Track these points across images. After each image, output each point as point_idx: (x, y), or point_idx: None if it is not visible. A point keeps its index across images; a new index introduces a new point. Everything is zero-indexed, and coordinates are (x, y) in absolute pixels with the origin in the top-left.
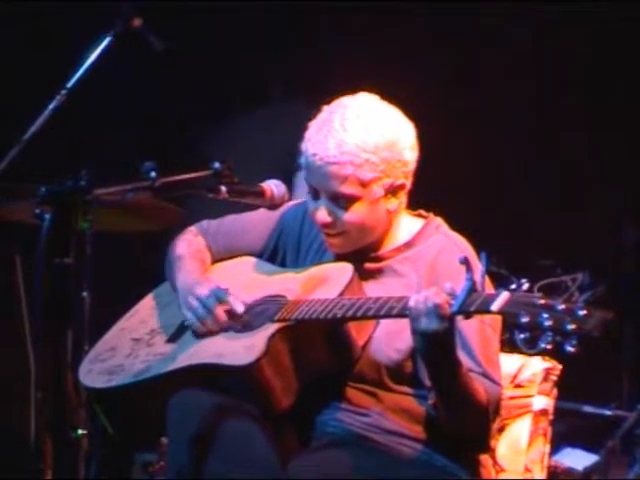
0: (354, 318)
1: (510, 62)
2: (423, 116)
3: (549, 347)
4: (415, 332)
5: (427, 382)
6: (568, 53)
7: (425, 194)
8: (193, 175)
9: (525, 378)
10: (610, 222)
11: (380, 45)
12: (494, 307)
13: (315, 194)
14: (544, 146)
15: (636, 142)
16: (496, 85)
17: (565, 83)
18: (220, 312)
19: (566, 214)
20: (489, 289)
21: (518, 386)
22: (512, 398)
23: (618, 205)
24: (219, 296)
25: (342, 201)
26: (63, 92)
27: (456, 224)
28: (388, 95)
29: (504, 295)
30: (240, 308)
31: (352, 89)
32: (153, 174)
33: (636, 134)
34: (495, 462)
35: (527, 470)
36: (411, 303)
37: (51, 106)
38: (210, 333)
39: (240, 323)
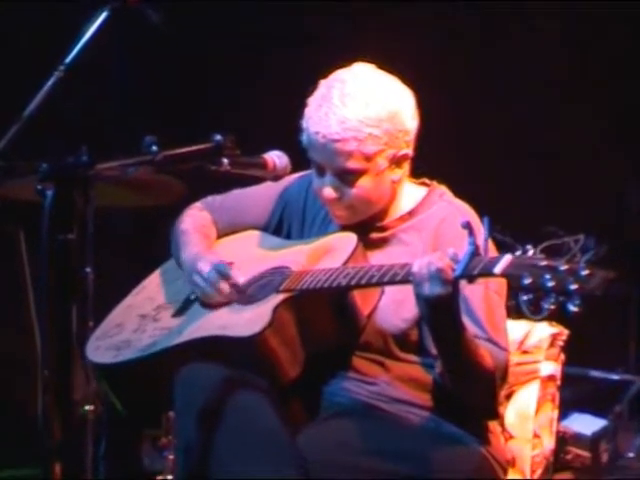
0: (358, 286)
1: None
2: (421, 81)
3: (552, 307)
4: (419, 297)
5: (433, 350)
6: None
7: (428, 163)
8: (194, 148)
9: (532, 344)
10: (614, 187)
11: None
12: (497, 269)
13: (320, 170)
14: (547, 113)
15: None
16: (495, 49)
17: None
18: (223, 286)
19: (569, 180)
20: (492, 254)
21: (525, 352)
22: (519, 364)
23: (622, 171)
24: (220, 270)
25: (348, 176)
26: (61, 68)
27: (459, 192)
28: (384, 63)
29: (506, 258)
30: (241, 279)
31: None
32: (154, 148)
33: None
34: (504, 429)
35: (536, 436)
36: (414, 268)
37: (49, 82)
38: (216, 306)
39: (245, 295)
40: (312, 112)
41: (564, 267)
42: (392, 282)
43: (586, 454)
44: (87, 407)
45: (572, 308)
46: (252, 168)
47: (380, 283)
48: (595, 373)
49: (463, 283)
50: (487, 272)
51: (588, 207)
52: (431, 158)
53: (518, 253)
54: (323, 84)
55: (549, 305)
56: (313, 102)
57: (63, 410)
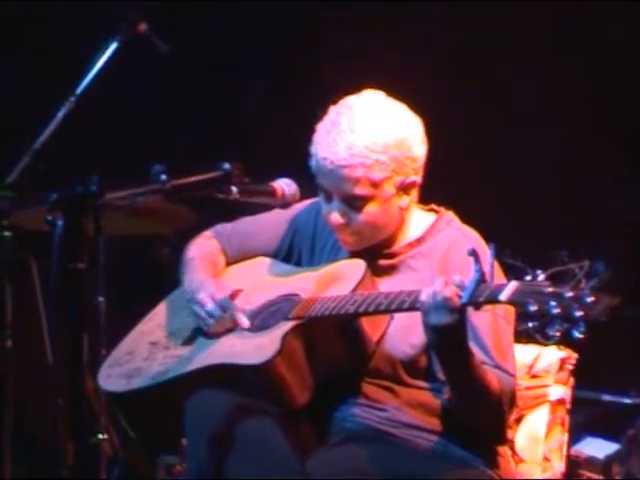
0: (366, 313)
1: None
2: (431, 109)
3: (557, 334)
4: (427, 326)
5: (441, 376)
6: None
7: (437, 189)
8: (203, 177)
9: (541, 368)
10: (629, 213)
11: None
12: (502, 297)
13: (328, 196)
14: (563, 138)
15: None
16: (503, 70)
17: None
18: (227, 323)
19: (584, 206)
20: (499, 280)
21: (534, 376)
22: (528, 388)
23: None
24: (225, 307)
25: (355, 202)
26: (72, 99)
27: (470, 219)
28: (392, 90)
29: (512, 285)
30: (246, 324)
31: (355, 85)
32: (163, 177)
33: None
34: (514, 452)
35: (546, 459)
36: (422, 297)
37: (60, 113)
38: (223, 333)
39: (255, 322)
40: (321, 138)
41: (569, 294)
42: (399, 309)
43: (599, 478)
44: (101, 436)
45: (577, 334)
46: (261, 196)
47: (388, 310)
48: (607, 397)
49: (470, 310)
50: (493, 299)
51: (602, 232)
52: (442, 183)
53: (528, 278)
54: (332, 110)
55: (554, 332)
56: (322, 128)
57: (77, 438)
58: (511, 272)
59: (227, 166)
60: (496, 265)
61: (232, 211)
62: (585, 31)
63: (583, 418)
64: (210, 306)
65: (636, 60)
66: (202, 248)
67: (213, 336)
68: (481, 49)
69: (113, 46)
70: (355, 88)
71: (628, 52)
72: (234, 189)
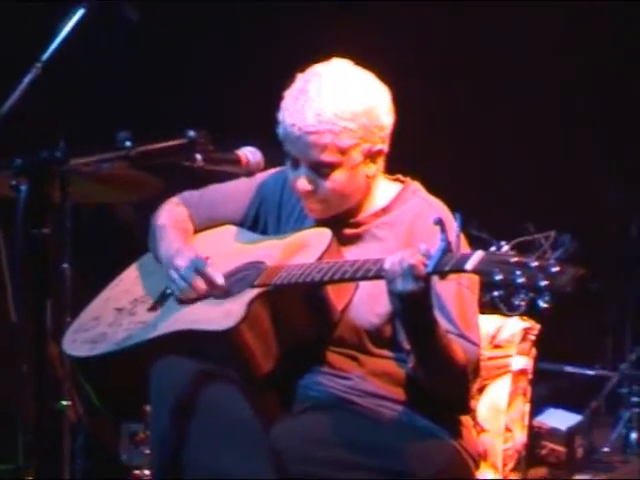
0: (331, 281)
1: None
2: (398, 75)
3: (523, 304)
4: (392, 293)
5: (406, 345)
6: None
7: (405, 159)
8: (168, 144)
9: (504, 338)
10: (594, 186)
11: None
12: (468, 266)
13: (295, 163)
14: (532, 111)
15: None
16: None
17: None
18: (199, 283)
19: (550, 178)
20: (465, 250)
21: (497, 346)
22: (491, 359)
23: (602, 171)
24: (198, 267)
25: (322, 169)
26: (38, 65)
27: (437, 190)
28: (361, 59)
29: (478, 254)
30: (220, 279)
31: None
32: (128, 143)
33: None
34: (476, 422)
35: (508, 430)
36: (387, 265)
37: (26, 79)
38: (191, 301)
39: (221, 290)
40: (289, 104)
41: (535, 264)
42: (365, 278)
43: (561, 449)
44: (64, 402)
45: (542, 304)
46: (225, 164)
47: (353, 279)
48: (571, 368)
49: (435, 279)
50: (459, 268)
51: (568, 205)
52: (410, 154)
53: (492, 249)
54: (300, 77)
55: (519, 301)
56: (290, 95)
57: (40, 405)
58: (477, 244)
59: (192, 133)
60: (462, 236)
61: (199, 179)
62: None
63: (546, 390)
64: (183, 268)
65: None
66: (172, 215)
67: (183, 303)
68: (451, 17)
69: (80, 12)
70: (323, 56)
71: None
72: (199, 157)
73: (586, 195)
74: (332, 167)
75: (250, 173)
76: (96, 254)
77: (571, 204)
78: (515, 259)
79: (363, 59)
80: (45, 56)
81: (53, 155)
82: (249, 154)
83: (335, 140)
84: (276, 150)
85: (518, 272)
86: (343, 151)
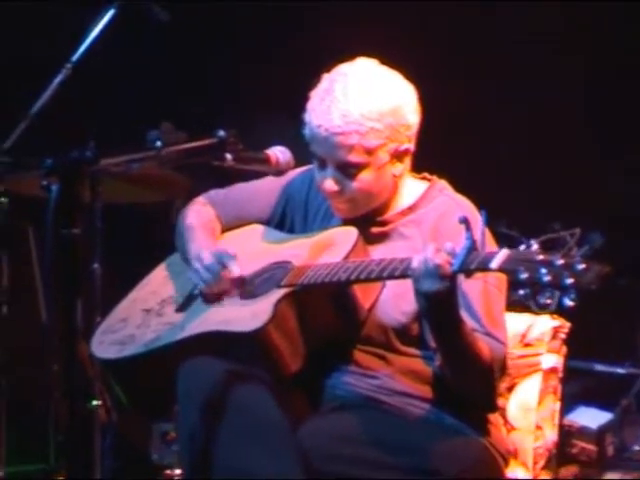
0: (358, 280)
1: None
2: (427, 75)
3: (548, 302)
4: (418, 293)
5: (433, 343)
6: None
7: (434, 158)
8: (198, 143)
9: (534, 337)
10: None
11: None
12: (493, 264)
13: (322, 164)
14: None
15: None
16: (498, 43)
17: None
18: (224, 276)
19: (579, 178)
20: (491, 248)
21: (527, 345)
22: (521, 357)
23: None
24: (223, 260)
25: (349, 170)
26: (68, 65)
27: (464, 188)
28: (386, 58)
29: (503, 252)
30: (236, 270)
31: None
32: (159, 143)
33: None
34: (506, 421)
35: (538, 428)
36: (413, 264)
37: (57, 80)
38: (218, 300)
39: (247, 290)
40: (315, 105)
41: (560, 261)
42: (391, 277)
43: (592, 447)
44: (95, 402)
45: (568, 302)
46: (255, 163)
47: (379, 278)
48: (601, 367)
49: (462, 277)
50: (484, 267)
51: (598, 200)
52: (438, 153)
53: (522, 247)
54: (326, 78)
55: (545, 299)
56: (316, 95)
57: (71, 405)
58: (506, 242)
59: (222, 133)
60: (488, 233)
61: (227, 178)
62: None
63: (577, 388)
64: (209, 261)
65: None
66: (200, 215)
67: (208, 300)
68: (480, 17)
69: (110, 13)
70: (349, 56)
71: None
72: (229, 156)
73: (614, 191)
74: (359, 167)
75: (280, 172)
76: (125, 254)
77: (600, 200)
78: (540, 257)
79: (388, 58)
80: (75, 57)
81: (83, 155)
82: (279, 153)
83: (362, 140)
84: (299, 150)
85: (543, 270)
86: (370, 151)
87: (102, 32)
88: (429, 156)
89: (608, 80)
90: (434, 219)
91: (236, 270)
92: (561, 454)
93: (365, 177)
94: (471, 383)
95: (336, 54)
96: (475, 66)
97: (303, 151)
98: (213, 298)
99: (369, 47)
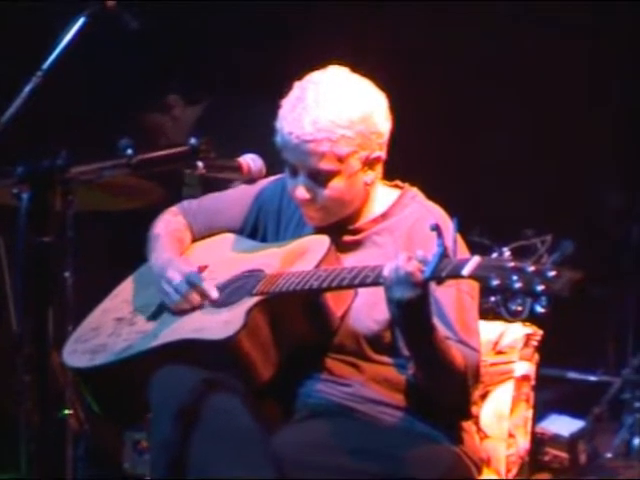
0: (330, 288)
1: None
2: (394, 85)
3: (520, 309)
4: (390, 301)
5: (406, 351)
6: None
7: (405, 165)
8: (170, 151)
9: (506, 344)
10: (594, 190)
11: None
12: (465, 271)
13: (293, 171)
14: (529, 119)
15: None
16: (467, 51)
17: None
18: (194, 297)
19: (550, 183)
20: (463, 255)
21: (499, 352)
22: (494, 365)
23: (602, 173)
24: (192, 281)
25: (321, 177)
26: (39, 74)
27: (438, 197)
28: (356, 66)
29: (475, 259)
30: (214, 294)
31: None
32: (130, 151)
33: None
34: (478, 428)
35: (511, 435)
36: (385, 273)
37: (27, 88)
38: (189, 310)
39: (218, 300)
40: (286, 113)
41: (531, 268)
42: (363, 284)
43: (564, 455)
44: (66, 411)
45: (539, 309)
46: (227, 171)
47: (351, 286)
48: (573, 374)
49: (434, 285)
50: (455, 274)
51: (570, 209)
52: (407, 161)
53: (494, 255)
54: (297, 86)
55: (516, 306)
56: (287, 103)
57: (42, 414)
58: (478, 250)
59: (194, 141)
60: (460, 240)
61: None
62: None
63: (549, 396)
64: (177, 281)
65: None
66: (169, 225)
67: (179, 314)
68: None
69: (81, 21)
70: (320, 64)
71: None
72: (200, 164)
73: (587, 200)
74: (330, 175)
75: (252, 180)
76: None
77: (573, 209)
78: (512, 264)
79: (359, 66)
80: (46, 65)
81: (55, 163)
82: (250, 161)
83: (333, 148)
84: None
85: (515, 277)
86: (341, 159)
87: (72, 40)
88: (400, 164)
89: (576, 85)
90: (407, 227)
91: (214, 294)
92: (533, 462)
93: (336, 185)
94: (445, 391)
95: (307, 63)
96: (445, 74)
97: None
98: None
99: (340, 55)
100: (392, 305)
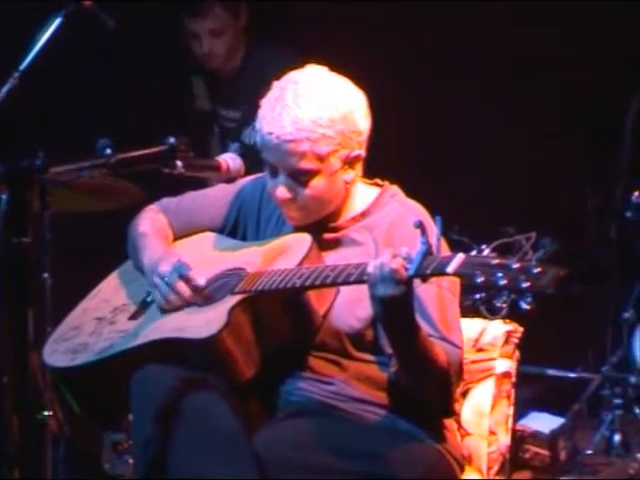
0: (313, 286)
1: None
2: (374, 82)
3: (504, 306)
4: (373, 298)
5: (388, 349)
6: None
7: (384, 164)
8: (148, 151)
9: (487, 342)
10: (573, 188)
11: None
12: (449, 269)
13: (273, 171)
14: (509, 117)
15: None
16: (446, 49)
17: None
18: (182, 287)
19: (529, 181)
20: (445, 253)
21: (480, 350)
22: (474, 362)
23: (581, 172)
24: (180, 271)
25: (301, 177)
26: (16, 74)
27: (417, 195)
28: (335, 65)
29: (459, 257)
30: (202, 281)
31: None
32: (108, 151)
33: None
34: (460, 426)
35: (492, 433)
36: (369, 269)
37: (4, 89)
38: (174, 309)
39: (203, 297)
40: (266, 113)
41: (516, 265)
42: (346, 282)
43: (545, 452)
44: (46, 412)
45: (524, 306)
46: (206, 170)
47: (334, 283)
48: (552, 372)
49: (416, 282)
50: (440, 271)
51: (549, 207)
52: (387, 159)
53: (473, 253)
54: (276, 85)
55: (501, 303)
56: (267, 103)
57: (22, 416)
58: (457, 248)
59: (172, 140)
60: (442, 239)
61: (179, 186)
62: None
63: (529, 393)
64: (167, 273)
65: None
66: (154, 223)
67: (162, 312)
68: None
69: (58, 21)
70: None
71: None
72: (179, 163)
73: (566, 199)
74: (311, 174)
75: (231, 179)
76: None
77: (551, 208)
78: (496, 261)
79: (337, 65)
80: (23, 65)
81: (33, 164)
82: (229, 160)
83: (313, 147)
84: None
85: (500, 274)
86: (321, 158)
87: (49, 40)
88: (380, 162)
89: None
90: (387, 225)
91: (201, 281)
92: (514, 459)
93: (317, 184)
94: (428, 388)
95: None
96: (426, 72)
97: None
98: (170, 308)
99: (319, 54)
100: (375, 302)
